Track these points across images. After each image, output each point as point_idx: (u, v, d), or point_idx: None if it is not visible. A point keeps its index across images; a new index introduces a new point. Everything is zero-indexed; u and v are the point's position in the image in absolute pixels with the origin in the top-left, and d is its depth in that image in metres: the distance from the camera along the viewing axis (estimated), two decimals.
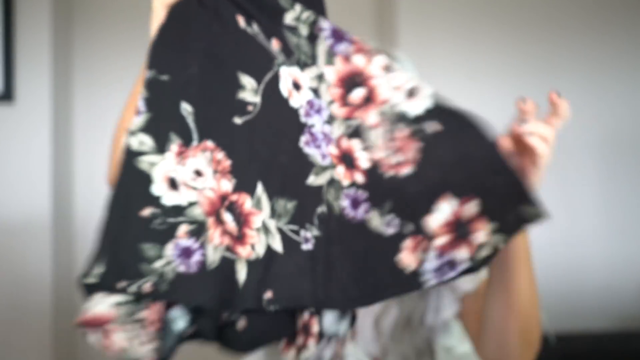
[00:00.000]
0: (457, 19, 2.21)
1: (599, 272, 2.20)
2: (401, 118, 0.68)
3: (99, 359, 2.27)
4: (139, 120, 0.67)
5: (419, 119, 0.68)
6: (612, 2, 2.25)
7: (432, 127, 0.67)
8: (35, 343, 1.99)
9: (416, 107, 0.68)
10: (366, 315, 0.97)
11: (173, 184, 0.66)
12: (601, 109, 2.23)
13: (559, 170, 2.22)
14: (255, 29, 0.71)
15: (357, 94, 0.70)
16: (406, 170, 0.67)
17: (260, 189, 0.67)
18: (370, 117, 0.69)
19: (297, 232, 0.67)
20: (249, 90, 0.69)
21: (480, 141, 0.66)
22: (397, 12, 2.20)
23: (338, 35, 0.72)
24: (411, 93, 0.69)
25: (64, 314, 2.15)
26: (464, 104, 2.27)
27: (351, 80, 0.70)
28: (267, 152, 0.68)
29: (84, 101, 2.31)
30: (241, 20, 0.71)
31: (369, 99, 0.69)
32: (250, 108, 0.69)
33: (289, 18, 0.72)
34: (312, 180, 0.69)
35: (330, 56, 0.71)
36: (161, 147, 0.66)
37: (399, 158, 0.67)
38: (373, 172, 0.68)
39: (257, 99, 0.69)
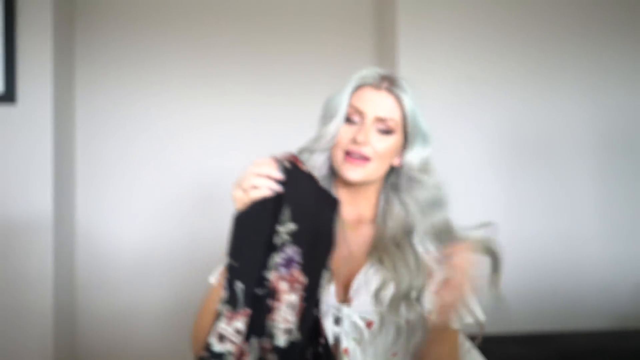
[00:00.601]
0: (455, 25, 2.22)
1: (597, 272, 2.22)
2: (273, 340, 0.99)
3: (99, 356, 2.29)
4: (222, 294, 1.01)
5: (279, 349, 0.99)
6: (607, 8, 2.26)
7: None
8: (36, 341, 2.01)
9: (282, 341, 0.98)
10: (364, 286, 1.11)
11: (221, 338, 0.99)
12: (598, 111, 2.24)
13: (557, 172, 2.23)
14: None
15: (269, 302, 1.00)
16: None
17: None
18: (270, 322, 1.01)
19: None
20: (271, 271, 0.99)
21: None
22: (396, 18, 2.21)
23: (288, 263, 1.00)
24: (288, 332, 0.98)
25: (65, 312, 2.17)
26: (463, 108, 2.29)
27: (272, 291, 1.01)
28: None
29: (85, 102, 2.32)
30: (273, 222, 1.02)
31: (273, 309, 0.99)
32: (267, 283, 0.99)
33: (280, 228, 1.02)
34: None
35: (274, 268, 1.00)
36: (221, 315, 1.00)
37: None
38: None
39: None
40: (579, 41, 2.25)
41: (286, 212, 1.01)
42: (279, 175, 1.02)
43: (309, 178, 1.05)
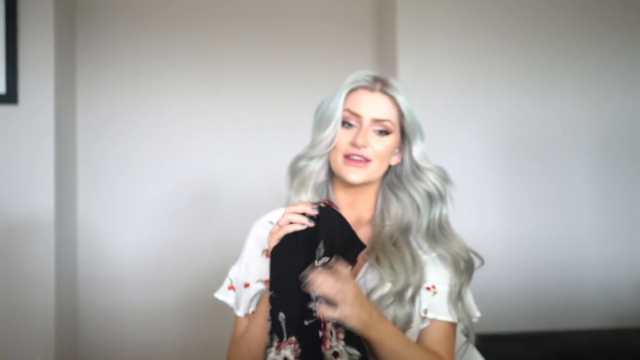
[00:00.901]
0: (454, 27, 2.23)
1: (596, 271, 2.22)
2: None
3: (100, 355, 2.30)
4: (268, 324, 1.10)
5: None
6: (605, 9, 2.27)
7: None
8: (38, 340, 2.02)
9: None
10: (362, 288, 1.11)
11: None
12: (595, 111, 2.25)
13: (556, 171, 2.24)
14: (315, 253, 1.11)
15: (320, 333, 1.06)
16: None
17: None
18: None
19: None
20: (316, 303, 1.05)
21: None
22: (396, 21, 2.21)
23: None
24: (335, 355, 1.05)
25: (67, 311, 2.18)
26: (462, 108, 2.30)
27: (320, 321, 1.08)
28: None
29: (87, 102, 2.33)
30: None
31: (322, 340, 1.06)
32: (315, 314, 1.05)
33: (317, 263, 1.09)
34: None
35: (317, 299, 1.06)
36: (270, 344, 1.09)
37: None
38: None
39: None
40: (575, 42, 2.26)
41: (321, 247, 1.08)
42: (313, 211, 1.10)
43: (340, 216, 1.13)
